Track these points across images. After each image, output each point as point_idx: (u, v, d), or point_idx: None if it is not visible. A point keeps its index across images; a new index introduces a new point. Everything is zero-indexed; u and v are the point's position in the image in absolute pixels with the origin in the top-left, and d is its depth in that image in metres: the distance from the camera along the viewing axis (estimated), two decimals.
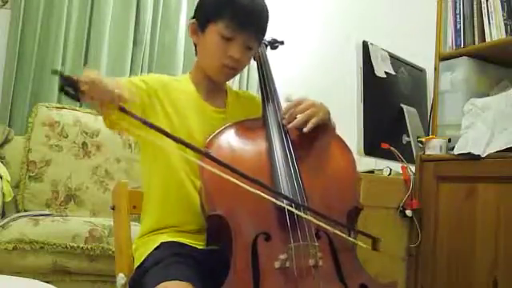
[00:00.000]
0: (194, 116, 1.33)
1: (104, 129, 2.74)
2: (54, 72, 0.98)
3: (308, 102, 1.28)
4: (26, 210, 2.49)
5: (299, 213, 1.09)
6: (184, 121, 1.31)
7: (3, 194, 2.34)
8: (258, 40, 1.37)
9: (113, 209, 1.40)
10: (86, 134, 2.71)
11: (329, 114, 1.32)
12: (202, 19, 1.33)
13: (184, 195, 1.28)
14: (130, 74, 3.18)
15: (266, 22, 1.35)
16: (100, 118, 2.80)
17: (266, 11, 1.34)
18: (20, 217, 2.29)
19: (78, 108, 2.82)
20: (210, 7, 1.32)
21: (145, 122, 1.01)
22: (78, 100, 0.98)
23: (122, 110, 1.01)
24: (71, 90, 0.95)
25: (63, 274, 2.17)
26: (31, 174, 2.55)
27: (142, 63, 3.25)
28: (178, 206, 1.29)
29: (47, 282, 1.29)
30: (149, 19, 3.26)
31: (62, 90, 0.95)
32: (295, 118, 1.26)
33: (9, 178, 2.42)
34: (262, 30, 1.35)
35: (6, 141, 2.61)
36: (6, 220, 2.22)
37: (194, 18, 1.37)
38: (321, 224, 1.10)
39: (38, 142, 2.59)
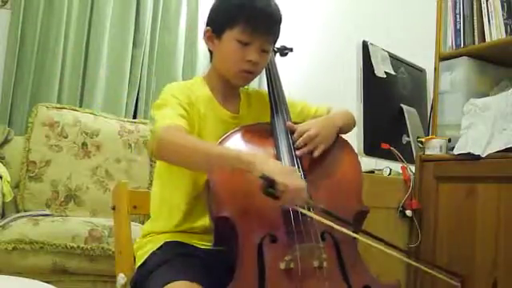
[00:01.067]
0: (212, 121, 1.34)
1: (104, 129, 2.77)
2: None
3: (315, 130, 1.29)
4: (25, 210, 2.49)
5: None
6: (203, 127, 1.32)
7: (3, 194, 2.34)
8: (274, 42, 1.39)
9: (113, 209, 1.40)
10: (86, 134, 2.71)
11: (337, 132, 1.34)
12: (217, 26, 1.34)
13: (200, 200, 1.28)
14: (130, 76, 3.18)
15: (280, 24, 1.36)
16: (99, 118, 2.81)
17: (280, 13, 1.35)
18: (20, 217, 2.30)
19: (77, 108, 2.83)
20: (225, 14, 1.33)
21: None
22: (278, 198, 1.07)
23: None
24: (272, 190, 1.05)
25: (63, 274, 2.17)
26: (31, 174, 2.55)
27: (141, 64, 3.25)
28: (199, 210, 1.29)
29: (47, 282, 1.28)
30: (148, 20, 3.26)
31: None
32: (304, 145, 1.28)
33: (9, 178, 2.42)
34: (277, 32, 1.37)
35: (6, 141, 2.61)
36: (5, 220, 2.22)
37: (208, 25, 1.38)
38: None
39: (38, 142, 2.59)
